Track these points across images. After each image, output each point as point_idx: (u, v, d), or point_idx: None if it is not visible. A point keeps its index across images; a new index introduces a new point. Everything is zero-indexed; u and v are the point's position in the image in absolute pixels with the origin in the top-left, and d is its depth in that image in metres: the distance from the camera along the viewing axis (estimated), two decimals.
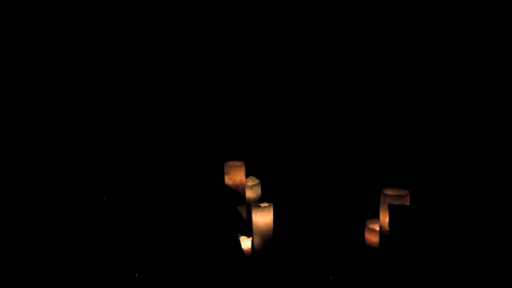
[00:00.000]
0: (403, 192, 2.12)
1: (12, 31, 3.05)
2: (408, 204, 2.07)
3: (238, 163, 2.58)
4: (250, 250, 2.43)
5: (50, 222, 2.56)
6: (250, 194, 2.58)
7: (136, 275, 2.20)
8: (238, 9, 3.08)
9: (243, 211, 2.51)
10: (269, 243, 2.39)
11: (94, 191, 2.76)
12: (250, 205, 2.43)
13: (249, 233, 2.42)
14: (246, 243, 2.42)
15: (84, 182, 2.90)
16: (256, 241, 2.40)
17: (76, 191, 2.82)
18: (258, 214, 2.37)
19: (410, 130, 2.82)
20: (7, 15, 3.01)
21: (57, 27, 3.10)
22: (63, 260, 2.31)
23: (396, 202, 2.06)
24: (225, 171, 2.56)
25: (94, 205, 2.65)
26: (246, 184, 2.57)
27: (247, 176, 2.60)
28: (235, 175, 2.55)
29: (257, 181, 2.61)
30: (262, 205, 2.37)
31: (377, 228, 2.24)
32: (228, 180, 2.55)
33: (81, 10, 3.09)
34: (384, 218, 2.10)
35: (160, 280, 2.10)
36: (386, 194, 2.11)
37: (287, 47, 3.07)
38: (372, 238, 2.28)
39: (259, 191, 2.60)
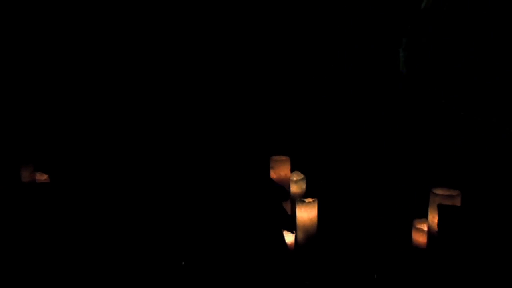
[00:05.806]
0: (454, 192, 2.06)
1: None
2: (458, 204, 2.00)
3: (283, 157, 2.58)
4: (294, 245, 2.43)
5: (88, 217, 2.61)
6: (294, 189, 2.58)
7: (183, 263, 2.27)
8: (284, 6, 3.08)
9: (287, 206, 2.52)
10: (313, 238, 2.39)
11: (136, 186, 2.81)
12: (295, 200, 2.44)
13: (293, 228, 2.42)
14: (289, 238, 2.43)
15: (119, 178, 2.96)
16: (300, 236, 2.40)
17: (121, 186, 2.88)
18: (302, 209, 2.37)
19: (463, 129, 2.71)
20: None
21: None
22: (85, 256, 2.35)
23: (446, 202, 2.01)
24: (270, 165, 2.58)
25: (131, 200, 2.69)
26: (291, 178, 2.57)
27: (292, 170, 2.60)
28: (281, 170, 2.56)
29: (302, 176, 2.60)
30: (306, 200, 2.37)
31: (425, 228, 2.18)
32: (273, 174, 2.56)
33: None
34: (433, 218, 2.05)
35: (204, 272, 2.15)
36: (436, 194, 2.07)
37: (336, 44, 3.04)
38: (420, 238, 2.22)
39: (304, 186, 2.59)
